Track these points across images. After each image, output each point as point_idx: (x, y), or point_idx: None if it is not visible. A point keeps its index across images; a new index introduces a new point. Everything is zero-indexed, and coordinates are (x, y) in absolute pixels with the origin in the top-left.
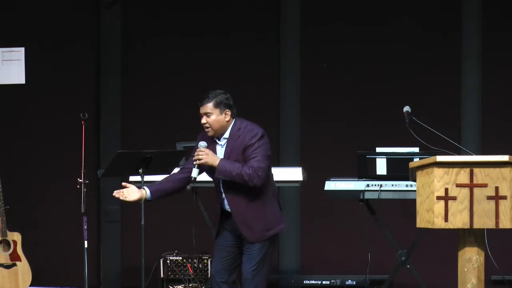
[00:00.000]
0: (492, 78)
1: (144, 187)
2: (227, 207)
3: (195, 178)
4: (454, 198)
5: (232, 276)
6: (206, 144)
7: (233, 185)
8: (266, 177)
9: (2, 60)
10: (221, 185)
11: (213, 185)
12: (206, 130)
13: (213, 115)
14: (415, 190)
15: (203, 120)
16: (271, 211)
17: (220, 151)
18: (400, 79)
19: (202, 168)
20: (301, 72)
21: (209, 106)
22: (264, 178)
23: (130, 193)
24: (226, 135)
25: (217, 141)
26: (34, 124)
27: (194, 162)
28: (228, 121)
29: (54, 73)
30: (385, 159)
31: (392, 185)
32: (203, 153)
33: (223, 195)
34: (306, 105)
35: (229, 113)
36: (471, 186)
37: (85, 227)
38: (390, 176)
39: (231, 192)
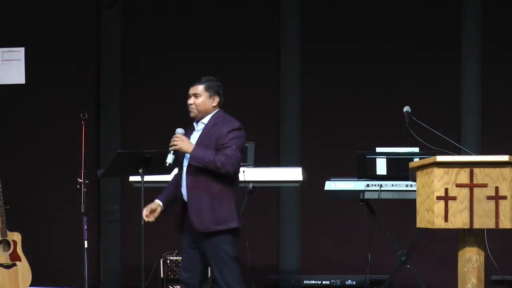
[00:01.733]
0: (492, 78)
1: (156, 200)
2: (186, 196)
3: (170, 163)
4: (454, 198)
5: (195, 279)
6: (183, 131)
7: (197, 171)
8: (234, 173)
9: (2, 60)
10: (185, 171)
11: None
12: (190, 110)
13: (201, 97)
14: (415, 190)
15: (190, 101)
16: (225, 208)
17: (195, 135)
18: (400, 79)
19: (178, 154)
20: (301, 72)
21: (199, 88)
22: (237, 167)
23: (154, 216)
24: (205, 120)
25: (195, 125)
26: (34, 124)
27: (170, 148)
28: (214, 107)
29: (54, 73)
30: (385, 159)
31: (392, 185)
32: (178, 139)
33: (185, 181)
34: (306, 105)
35: (217, 99)
36: (471, 186)
37: (85, 227)
38: (390, 176)
39: (192, 177)
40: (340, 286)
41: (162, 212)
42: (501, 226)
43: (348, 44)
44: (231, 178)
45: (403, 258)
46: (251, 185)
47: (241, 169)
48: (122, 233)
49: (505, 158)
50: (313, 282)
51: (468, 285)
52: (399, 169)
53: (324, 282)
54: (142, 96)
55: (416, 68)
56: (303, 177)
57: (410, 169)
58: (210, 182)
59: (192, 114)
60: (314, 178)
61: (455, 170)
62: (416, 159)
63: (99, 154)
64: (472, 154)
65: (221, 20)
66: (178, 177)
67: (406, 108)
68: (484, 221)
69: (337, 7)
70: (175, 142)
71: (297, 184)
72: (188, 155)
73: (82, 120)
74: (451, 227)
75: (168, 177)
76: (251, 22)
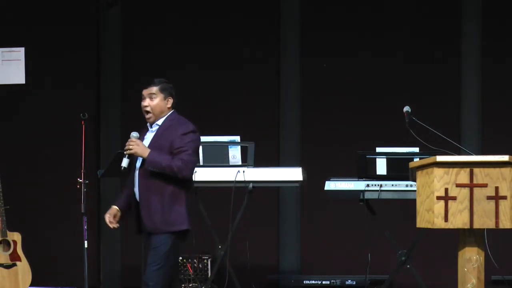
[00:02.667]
0: (492, 78)
1: (113, 206)
2: (138, 197)
3: (125, 167)
4: (454, 198)
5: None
6: (138, 135)
7: (150, 173)
8: (190, 177)
9: (2, 60)
10: (137, 173)
11: (213, 185)
12: (146, 112)
13: (157, 98)
14: (415, 190)
15: (146, 103)
16: (176, 210)
17: (149, 136)
18: (400, 79)
19: (132, 157)
20: (301, 72)
21: (154, 89)
22: (193, 171)
23: (116, 221)
24: (160, 122)
25: (149, 126)
26: (34, 124)
27: (125, 152)
28: (168, 109)
29: (54, 73)
30: (385, 159)
31: (392, 185)
32: (134, 143)
33: (137, 181)
34: (306, 105)
35: (171, 101)
36: (471, 186)
37: (85, 227)
38: (390, 176)
39: (145, 180)
40: (340, 286)
41: (123, 215)
42: (501, 226)
43: (348, 44)
44: (184, 180)
45: (403, 258)
46: (251, 185)
47: (241, 169)
48: (122, 233)
49: (505, 158)
50: (313, 282)
51: (468, 285)
52: (399, 169)
53: (324, 282)
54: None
55: (416, 68)
56: (303, 177)
57: (410, 169)
58: (163, 184)
59: (148, 116)
60: (314, 178)
61: (455, 170)
62: (416, 159)
63: (99, 154)
64: (472, 154)
65: (221, 20)
66: (131, 178)
67: (406, 108)
68: (484, 221)
69: (337, 8)
70: (131, 147)
71: (297, 184)
72: (142, 159)
73: (82, 120)
74: (451, 227)
75: None
76: (251, 22)
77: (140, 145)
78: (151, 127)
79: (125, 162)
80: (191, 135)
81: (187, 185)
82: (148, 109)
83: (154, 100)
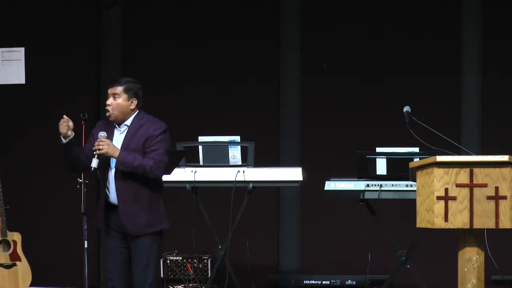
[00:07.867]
0: (492, 78)
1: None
2: (114, 199)
3: (95, 168)
4: (454, 198)
5: (124, 282)
6: (106, 135)
7: (125, 175)
8: (160, 176)
9: (2, 60)
10: (112, 173)
11: (214, 185)
12: (107, 111)
13: (120, 98)
14: (415, 190)
15: (108, 101)
16: (156, 209)
17: (119, 137)
18: (400, 79)
19: (101, 158)
20: (301, 72)
21: (119, 89)
22: (164, 171)
23: (68, 127)
24: (128, 122)
25: (116, 127)
26: (34, 124)
27: (95, 152)
28: (132, 110)
29: (54, 73)
30: (385, 159)
31: (392, 185)
32: (104, 143)
33: (113, 184)
34: (306, 105)
35: (135, 102)
36: (471, 186)
37: (85, 227)
38: (390, 176)
39: (122, 181)
40: (340, 286)
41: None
42: (501, 226)
43: (348, 45)
44: (159, 180)
45: (403, 258)
46: (251, 185)
47: (241, 169)
48: None
49: (505, 158)
50: (313, 282)
51: (468, 285)
52: (399, 169)
53: (324, 282)
54: (142, 96)
55: (416, 68)
56: (303, 177)
57: (410, 169)
58: (140, 186)
59: (108, 114)
60: (314, 178)
61: (455, 170)
62: (416, 159)
63: None
64: (472, 154)
65: (222, 19)
66: (102, 178)
67: (406, 108)
68: (484, 221)
69: (337, 10)
70: (101, 147)
71: (297, 184)
72: (114, 160)
73: (82, 120)
74: (451, 227)
75: (167, 177)
76: (251, 21)
77: (111, 145)
78: (119, 126)
79: (94, 163)
80: (164, 135)
81: (162, 184)
82: (109, 107)
83: (117, 100)
